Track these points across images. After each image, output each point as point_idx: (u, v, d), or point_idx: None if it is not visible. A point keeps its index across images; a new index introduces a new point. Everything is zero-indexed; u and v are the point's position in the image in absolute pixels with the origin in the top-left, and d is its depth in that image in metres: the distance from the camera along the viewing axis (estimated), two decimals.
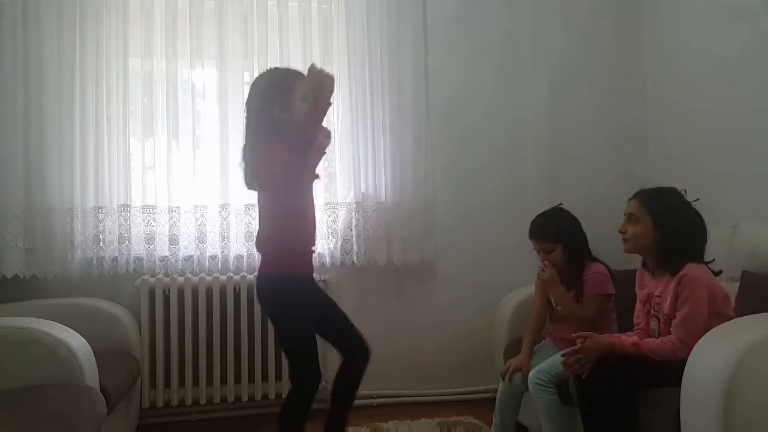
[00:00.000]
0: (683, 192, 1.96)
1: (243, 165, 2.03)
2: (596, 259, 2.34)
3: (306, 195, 2.02)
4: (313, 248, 2.10)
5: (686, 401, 1.54)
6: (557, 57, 3.15)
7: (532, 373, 2.16)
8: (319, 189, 2.94)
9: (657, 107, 3.10)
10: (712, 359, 1.52)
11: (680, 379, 1.56)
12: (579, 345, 1.85)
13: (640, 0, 3.18)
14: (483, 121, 3.13)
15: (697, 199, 1.94)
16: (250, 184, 2.03)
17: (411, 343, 3.05)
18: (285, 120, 1.93)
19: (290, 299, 1.95)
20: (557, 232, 2.32)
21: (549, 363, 2.16)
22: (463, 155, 3.11)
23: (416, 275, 3.04)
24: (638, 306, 2.06)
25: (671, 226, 1.90)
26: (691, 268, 1.84)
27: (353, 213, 2.92)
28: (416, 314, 3.08)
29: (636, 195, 2.00)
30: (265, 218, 2.03)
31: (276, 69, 2.12)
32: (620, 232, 2.01)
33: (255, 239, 2.06)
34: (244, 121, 2.01)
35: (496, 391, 2.70)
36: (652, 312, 1.97)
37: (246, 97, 2.03)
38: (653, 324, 1.96)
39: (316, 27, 2.94)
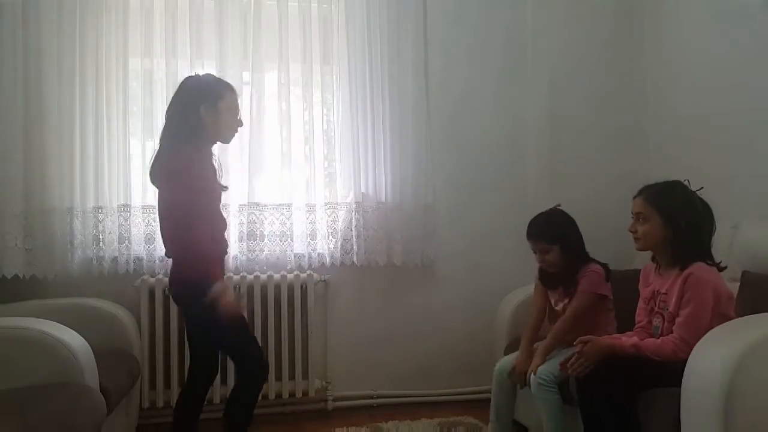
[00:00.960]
0: (686, 182, 1.95)
1: (154, 158, 2.04)
2: (593, 260, 2.34)
3: (216, 201, 2.04)
4: (226, 251, 2.13)
5: (686, 401, 1.54)
6: (557, 57, 3.16)
7: (534, 380, 2.16)
8: (319, 189, 2.95)
9: (657, 108, 3.10)
10: (712, 359, 1.52)
11: (680, 379, 1.56)
12: (579, 349, 1.85)
13: (641, 0, 3.18)
14: (483, 121, 3.13)
15: (701, 188, 1.93)
16: (154, 180, 2.05)
17: (411, 343, 3.05)
18: (208, 122, 1.99)
19: (208, 306, 1.91)
20: (554, 233, 2.31)
21: (551, 363, 2.16)
22: (464, 155, 3.11)
23: (416, 275, 3.05)
24: (641, 303, 2.06)
25: (681, 221, 1.89)
26: (698, 267, 1.84)
27: (353, 213, 2.92)
28: (416, 314, 3.08)
29: (641, 192, 1.99)
30: (167, 219, 2.00)
31: (208, 74, 2.19)
32: (630, 231, 1.99)
33: (163, 241, 2.06)
34: (166, 114, 2.05)
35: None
36: (656, 309, 1.97)
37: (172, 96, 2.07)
38: (657, 321, 1.95)
39: (316, 27, 2.94)
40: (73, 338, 2.01)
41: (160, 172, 2.01)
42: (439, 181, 3.06)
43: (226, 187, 2.10)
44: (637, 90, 3.18)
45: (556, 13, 3.16)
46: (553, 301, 2.41)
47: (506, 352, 2.57)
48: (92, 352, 2.04)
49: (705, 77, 2.73)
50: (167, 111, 2.05)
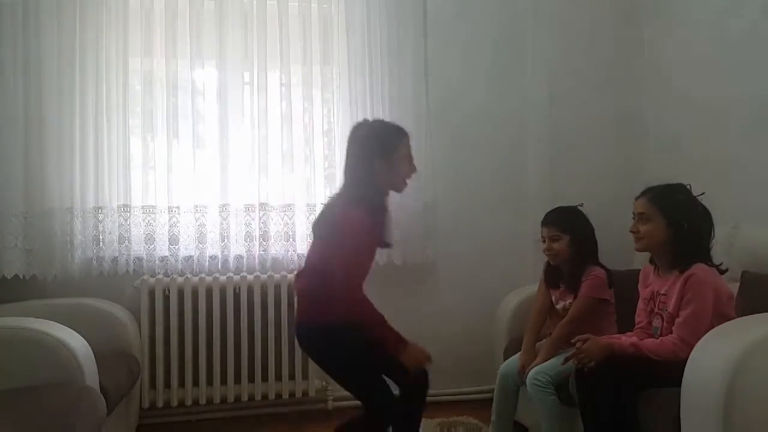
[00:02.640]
0: (688, 186, 1.96)
1: (323, 211, 2.03)
2: (598, 264, 2.34)
3: (368, 260, 1.99)
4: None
5: (686, 401, 1.54)
6: (557, 57, 3.15)
7: (531, 374, 2.16)
8: (319, 189, 2.94)
9: (657, 107, 3.10)
10: (712, 359, 1.52)
11: (680, 379, 1.56)
12: (579, 347, 1.85)
13: (640, 5, 3.17)
14: (483, 121, 3.13)
15: (703, 193, 1.94)
16: (317, 233, 2.03)
17: None
18: (383, 175, 1.93)
19: (341, 354, 1.93)
20: (568, 223, 2.35)
21: (548, 364, 2.16)
22: (464, 155, 3.11)
23: (416, 275, 3.04)
24: (641, 304, 2.06)
25: (683, 223, 1.89)
26: (699, 269, 1.84)
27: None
28: (416, 314, 3.06)
29: (644, 193, 1.99)
30: (320, 272, 1.94)
31: (379, 121, 2.10)
32: (632, 231, 2.00)
33: (302, 283, 2.01)
34: (344, 163, 2.00)
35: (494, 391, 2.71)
36: (656, 310, 1.97)
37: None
38: (656, 322, 1.96)
39: (316, 27, 2.94)
40: (73, 338, 2.01)
41: (325, 228, 1.98)
42: (439, 181, 3.06)
43: (389, 245, 2.04)
44: (637, 89, 3.18)
45: (556, 12, 3.16)
46: (554, 299, 2.42)
47: (506, 352, 2.58)
48: (92, 352, 2.04)
49: (706, 76, 2.73)
50: (345, 163, 1.99)
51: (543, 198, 3.04)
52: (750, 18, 2.46)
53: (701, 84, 2.76)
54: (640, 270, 2.14)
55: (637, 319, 2.07)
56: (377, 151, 1.93)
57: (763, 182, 2.37)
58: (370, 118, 2.89)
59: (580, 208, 2.41)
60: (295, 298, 2.02)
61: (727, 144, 2.58)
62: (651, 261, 2.06)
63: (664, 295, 1.94)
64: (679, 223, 1.90)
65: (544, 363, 2.18)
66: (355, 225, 1.86)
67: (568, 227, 2.34)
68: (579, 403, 1.88)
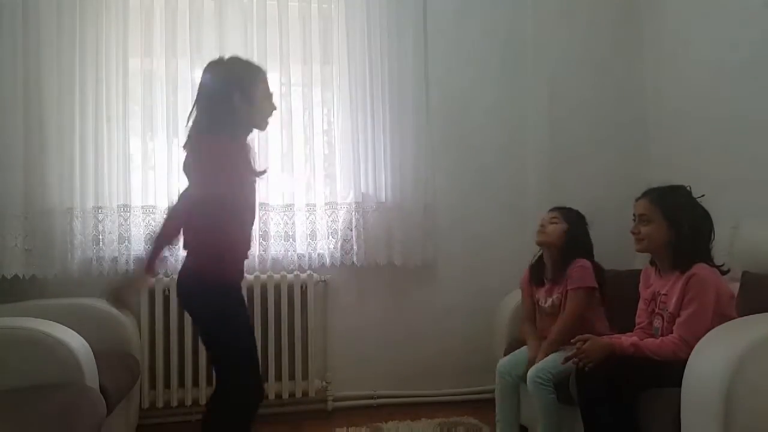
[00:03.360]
0: (689, 188, 1.96)
1: (186, 149, 1.88)
2: (583, 257, 2.36)
3: (249, 194, 1.88)
4: (247, 254, 1.95)
5: (686, 401, 1.54)
6: (557, 57, 3.15)
7: (531, 372, 2.16)
8: (319, 189, 2.95)
9: (657, 108, 3.10)
10: (712, 359, 1.52)
11: (680, 379, 1.56)
12: (579, 347, 1.85)
13: (640, 1, 3.17)
14: (483, 122, 3.13)
15: (703, 195, 1.95)
16: (187, 171, 1.89)
17: (411, 344, 3.05)
18: (243, 110, 1.84)
19: (218, 308, 1.79)
20: (570, 216, 2.41)
21: (549, 361, 2.16)
22: (464, 156, 3.11)
23: (416, 276, 3.04)
24: (641, 305, 2.07)
25: (684, 224, 1.90)
26: (700, 268, 1.84)
27: (353, 213, 2.92)
28: (416, 315, 3.08)
29: (645, 194, 2.00)
30: (195, 211, 1.84)
31: (235, 58, 2.00)
32: (632, 233, 2.00)
33: (184, 234, 1.88)
34: (195, 104, 1.88)
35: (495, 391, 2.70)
36: (656, 311, 1.97)
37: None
38: (657, 323, 1.96)
39: (316, 27, 2.94)
40: (73, 338, 2.01)
41: (192, 162, 1.85)
42: (439, 181, 3.06)
43: (262, 173, 1.91)
44: (637, 91, 3.17)
45: (556, 12, 3.16)
46: (541, 299, 2.42)
47: (506, 353, 2.57)
48: (92, 352, 2.04)
49: (705, 77, 2.73)
50: (197, 100, 1.88)
51: (543, 198, 3.04)
52: (750, 18, 2.46)
53: (701, 84, 2.75)
54: (640, 270, 2.14)
55: (637, 320, 2.07)
56: (236, 86, 1.84)
57: (763, 182, 2.37)
58: (365, 115, 2.92)
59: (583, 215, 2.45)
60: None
61: (727, 144, 2.58)
62: (651, 262, 2.06)
63: (664, 295, 1.94)
64: (680, 224, 1.90)
65: (546, 361, 2.19)
66: (217, 148, 1.78)
67: (570, 219, 2.39)
68: (579, 403, 1.88)
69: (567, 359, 1.90)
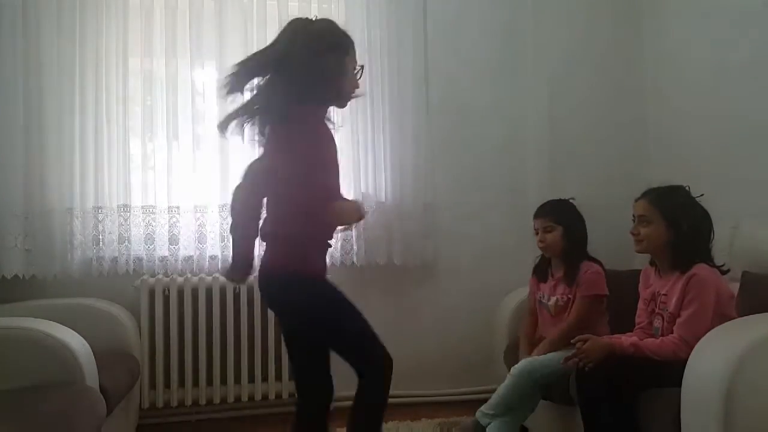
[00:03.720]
0: (687, 188, 1.96)
1: (259, 124, 1.63)
2: (592, 259, 2.35)
3: (337, 178, 1.67)
4: (331, 242, 1.76)
5: (686, 401, 1.54)
6: (557, 56, 3.15)
7: (524, 362, 2.19)
8: None
9: (657, 107, 3.10)
10: (712, 359, 1.52)
11: (680, 379, 1.56)
12: (579, 348, 1.85)
13: (640, 1, 3.17)
14: (483, 122, 3.13)
15: (702, 195, 1.95)
16: (270, 145, 1.64)
17: (411, 344, 3.04)
18: (334, 77, 1.61)
19: (316, 299, 1.64)
20: (562, 215, 2.37)
21: (545, 360, 2.17)
22: (464, 155, 3.11)
23: (416, 275, 3.04)
24: (641, 305, 2.07)
25: (684, 225, 1.90)
26: (700, 269, 1.85)
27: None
28: (416, 314, 3.08)
29: (644, 195, 2.00)
30: (282, 196, 1.63)
31: (330, 21, 1.73)
32: (632, 234, 2.00)
33: (264, 226, 1.67)
34: (270, 61, 1.62)
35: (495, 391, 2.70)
36: (656, 311, 1.97)
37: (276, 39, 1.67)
38: (657, 323, 1.96)
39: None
40: (73, 338, 2.01)
41: (284, 135, 1.59)
42: (439, 181, 3.06)
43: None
44: (637, 90, 3.17)
45: (556, 11, 3.16)
46: (544, 296, 2.41)
47: (506, 353, 2.58)
48: (92, 352, 2.04)
49: (705, 77, 2.73)
50: (274, 62, 1.60)
51: (543, 198, 3.02)
52: (750, 18, 2.46)
53: (701, 84, 2.75)
54: (640, 270, 2.14)
55: (637, 320, 2.07)
56: (331, 51, 1.60)
57: (763, 182, 2.37)
58: (365, 115, 2.91)
59: (572, 201, 2.42)
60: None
61: (727, 144, 2.58)
62: (651, 262, 2.06)
63: (664, 295, 1.94)
64: (679, 224, 1.91)
65: (544, 360, 2.19)
66: (308, 119, 1.54)
67: (563, 219, 2.36)
68: (579, 403, 1.88)
69: (567, 359, 1.90)
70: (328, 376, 1.83)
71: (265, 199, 1.70)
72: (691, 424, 1.52)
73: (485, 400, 2.23)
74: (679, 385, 1.56)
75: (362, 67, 1.72)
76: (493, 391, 2.43)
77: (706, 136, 2.71)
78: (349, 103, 1.76)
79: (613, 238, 2.40)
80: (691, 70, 2.84)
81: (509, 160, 3.15)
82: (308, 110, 1.58)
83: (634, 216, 2.01)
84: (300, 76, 1.58)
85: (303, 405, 1.82)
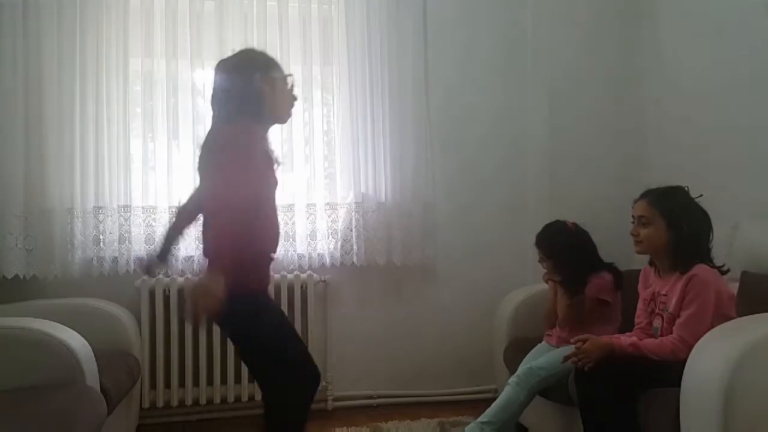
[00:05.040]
0: (686, 189, 1.96)
1: (202, 144, 1.74)
2: (607, 268, 2.33)
3: (270, 190, 1.77)
4: (273, 255, 1.82)
5: (686, 401, 1.54)
6: (557, 57, 3.15)
7: (522, 369, 2.20)
8: (319, 189, 2.95)
9: (658, 107, 3.09)
10: (712, 359, 1.52)
11: (680, 379, 1.56)
12: (578, 347, 1.85)
13: (640, 9, 3.17)
14: (483, 122, 3.13)
15: (701, 195, 1.94)
16: (200, 167, 1.75)
17: (411, 343, 3.05)
18: (266, 93, 1.72)
19: (248, 321, 1.68)
20: (549, 249, 2.37)
21: (542, 363, 2.18)
22: (464, 155, 3.11)
23: (416, 276, 3.04)
24: (640, 305, 2.07)
25: (683, 225, 1.90)
26: (701, 269, 1.84)
27: (353, 213, 2.92)
28: (416, 314, 3.08)
29: (644, 196, 1.99)
30: (209, 211, 1.69)
31: (252, 48, 1.91)
32: (632, 234, 1.99)
33: (203, 241, 1.75)
34: (212, 91, 1.77)
35: (495, 391, 2.71)
36: (656, 311, 1.97)
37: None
38: (656, 323, 1.96)
39: (316, 27, 2.94)
40: (73, 338, 2.01)
41: (207, 155, 1.69)
42: (439, 181, 3.06)
43: (278, 161, 1.81)
44: (637, 91, 3.17)
45: (557, 13, 3.15)
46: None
47: (506, 353, 2.58)
48: (92, 352, 2.04)
49: (704, 85, 2.72)
50: (212, 99, 1.76)
51: (542, 198, 3.05)
52: (751, 19, 2.46)
53: (701, 84, 2.75)
54: (639, 270, 2.14)
55: (636, 320, 2.07)
56: (257, 70, 1.73)
57: (763, 182, 2.37)
58: (365, 115, 2.91)
59: (576, 224, 2.38)
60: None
61: (727, 144, 2.58)
62: (651, 262, 2.06)
63: (664, 295, 1.94)
64: (679, 225, 1.90)
65: (542, 361, 2.20)
66: (233, 133, 1.63)
67: (553, 251, 2.35)
68: (579, 403, 1.88)
69: (566, 358, 1.90)
70: (294, 373, 1.80)
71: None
72: (690, 424, 1.52)
73: (485, 400, 2.24)
74: (679, 385, 1.56)
75: (290, 75, 1.86)
76: (493, 390, 2.44)
77: (706, 136, 2.71)
78: (289, 118, 1.89)
79: (612, 240, 2.40)
80: (690, 79, 2.83)
81: (509, 160, 3.14)
82: (234, 127, 1.66)
83: (633, 217, 2.01)
84: (228, 102, 1.72)
85: (271, 407, 1.82)
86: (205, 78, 2.87)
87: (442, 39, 3.08)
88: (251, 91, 1.71)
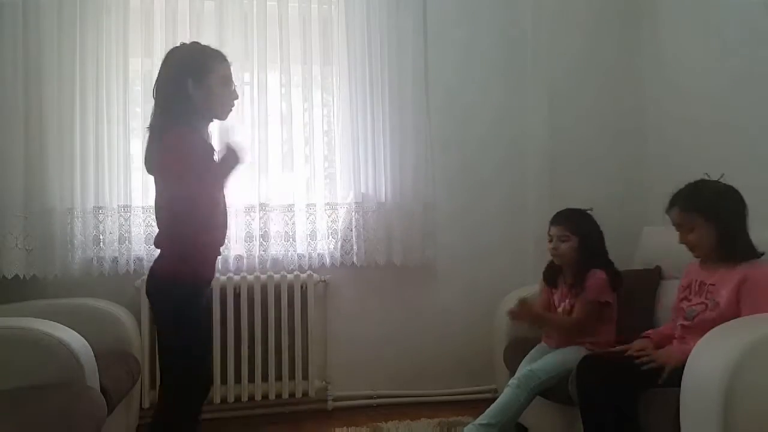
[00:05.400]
0: (706, 175, 1.93)
1: (146, 143, 1.83)
2: (608, 266, 2.32)
3: (218, 190, 1.85)
4: (220, 250, 1.94)
5: (686, 401, 1.54)
6: (557, 57, 3.15)
7: (526, 369, 2.19)
8: (319, 189, 2.95)
9: (658, 107, 3.09)
10: (712, 359, 1.52)
11: (680, 379, 1.56)
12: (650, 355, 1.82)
13: (640, 9, 3.17)
14: (483, 122, 3.13)
15: (723, 175, 1.92)
16: (150, 169, 1.86)
17: (411, 343, 3.05)
18: (199, 98, 1.78)
19: (182, 308, 1.77)
20: (579, 226, 2.33)
21: (542, 365, 2.18)
22: (464, 155, 3.11)
23: (416, 276, 3.04)
24: (679, 294, 2.04)
25: (722, 213, 1.87)
26: (755, 266, 1.80)
27: (353, 213, 2.93)
28: (416, 314, 3.08)
29: (673, 204, 1.94)
30: (162, 209, 1.82)
31: (196, 43, 1.94)
32: (681, 243, 1.95)
33: (155, 237, 1.86)
34: (153, 93, 1.84)
35: (495, 391, 2.71)
36: (702, 300, 1.91)
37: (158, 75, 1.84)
38: (697, 307, 1.91)
39: (316, 27, 2.94)
40: (73, 338, 2.01)
41: (154, 156, 1.80)
42: (439, 181, 3.06)
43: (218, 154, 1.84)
44: (637, 91, 3.17)
45: (556, 13, 3.15)
46: (555, 300, 2.42)
47: (506, 353, 2.58)
48: (92, 352, 2.04)
49: (704, 85, 2.72)
50: (154, 88, 1.83)
51: (542, 198, 3.05)
52: (750, 19, 2.46)
53: (701, 84, 2.75)
54: (639, 270, 2.14)
55: (673, 314, 2.04)
56: (188, 73, 1.77)
57: (763, 182, 2.36)
58: (365, 116, 2.92)
59: (589, 212, 2.39)
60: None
61: (727, 144, 2.58)
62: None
63: (712, 285, 1.89)
64: (719, 215, 1.87)
65: (542, 363, 2.20)
66: (175, 138, 1.71)
67: (579, 229, 2.32)
68: (578, 403, 1.88)
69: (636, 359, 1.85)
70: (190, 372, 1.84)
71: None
72: (690, 424, 1.52)
73: (485, 400, 2.24)
74: (679, 385, 1.56)
75: (229, 63, 1.87)
76: (493, 391, 2.44)
77: (706, 136, 2.71)
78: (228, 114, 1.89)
79: (612, 241, 2.40)
80: (689, 79, 2.83)
81: (509, 160, 3.14)
82: (175, 132, 1.73)
83: (674, 225, 1.96)
84: (164, 103, 1.79)
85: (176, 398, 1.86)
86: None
87: (442, 39, 3.08)
88: (184, 93, 1.76)
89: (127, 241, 2.77)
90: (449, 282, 3.09)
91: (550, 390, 2.15)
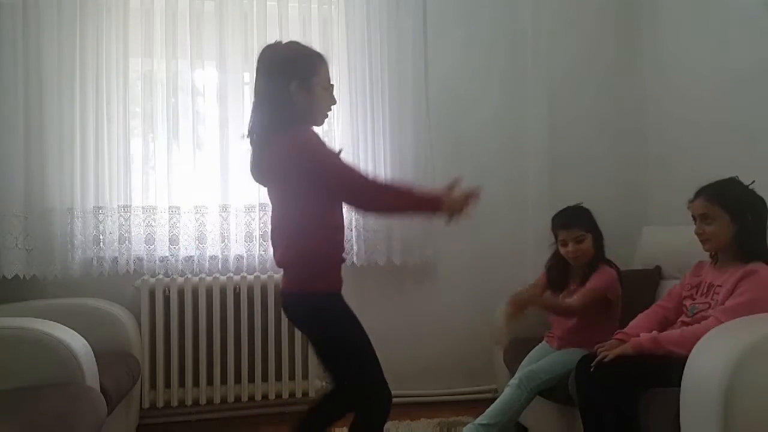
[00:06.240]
0: (737, 178, 1.93)
1: (253, 151, 1.73)
2: (608, 262, 2.33)
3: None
4: (344, 256, 1.87)
5: (686, 401, 1.54)
6: (558, 58, 3.15)
7: (526, 370, 2.18)
8: None
9: (658, 107, 3.10)
10: (712, 359, 1.52)
11: (680, 379, 1.56)
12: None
13: (640, 10, 3.17)
14: (483, 122, 3.13)
15: (753, 182, 1.92)
16: (262, 177, 1.76)
17: (411, 344, 3.05)
18: (301, 102, 1.67)
19: (330, 317, 1.73)
20: (588, 221, 2.32)
21: (542, 366, 2.18)
22: (464, 156, 3.11)
23: (416, 275, 3.04)
24: (677, 288, 2.04)
25: (747, 214, 1.87)
26: (761, 267, 1.80)
27: (353, 213, 2.92)
28: (416, 314, 3.08)
29: (700, 194, 1.94)
30: (292, 223, 1.70)
31: (295, 42, 1.79)
32: (697, 234, 1.95)
33: (277, 254, 1.76)
34: (254, 94, 1.72)
35: (496, 391, 2.71)
36: (707, 300, 1.91)
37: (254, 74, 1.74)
38: (700, 306, 1.91)
39: (316, 27, 2.94)
40: (73, 338, 2.01)
41: (276, 162, 1.67)
42: (439, 181, 3.05)
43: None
44: (637, 91, 3.17)
45: (556, 13, 3.16)
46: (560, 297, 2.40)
47: (506, 352, 2.57)
48: (92, 352, 2.04)
49: (704, 84, 2.72)
50: (255, 90, 1.72)
51: (542, 198, 3.05)
52: (750, 19, 2.46)
53: (701, 84, 2.75)
54: (639, 270, 2.14)
55: (661, 302, 2.05)
56: (293, 74, 1.66)
57: (763, 183, 2.36)
58: (365, 116, 2.91)
59: (582, 204, 2.39)
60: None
61: (727, 144, 2.58)
62: (712, 256, 2.01)
63: (719, 286, 1.89)
64: (744, 215, 1.87)
65: (543, 364, 2.19)
66: (304, 139, 1.63)
67: (590, 225, 2.32)
68: (579, 403, 1.88)
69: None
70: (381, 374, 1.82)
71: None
72: (690, 424, 1.52)
73: (485, 400, 2.24)
74: (679, 385, 1.56)
75: (332, 85, 1.79)
76: (493, 390, 2.44)
77: (705, 144, 2.71)
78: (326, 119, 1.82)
79: (611, 242, 2.40)
80: (689, 79, 2.84)
81: (509, 160, 3.15)
82: (291, 132, 1.65)
83: (694, 217, 1.96)
84: (268, 107, 1.68)
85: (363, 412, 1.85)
86: (206, 78, 2.88)
87: (441, 38, 3.08)
88: (287, 96, 1.67)
89: (127, 241, 2.77)
90: (449, 282, 3.09)
91: (550, 390, 2.15)
